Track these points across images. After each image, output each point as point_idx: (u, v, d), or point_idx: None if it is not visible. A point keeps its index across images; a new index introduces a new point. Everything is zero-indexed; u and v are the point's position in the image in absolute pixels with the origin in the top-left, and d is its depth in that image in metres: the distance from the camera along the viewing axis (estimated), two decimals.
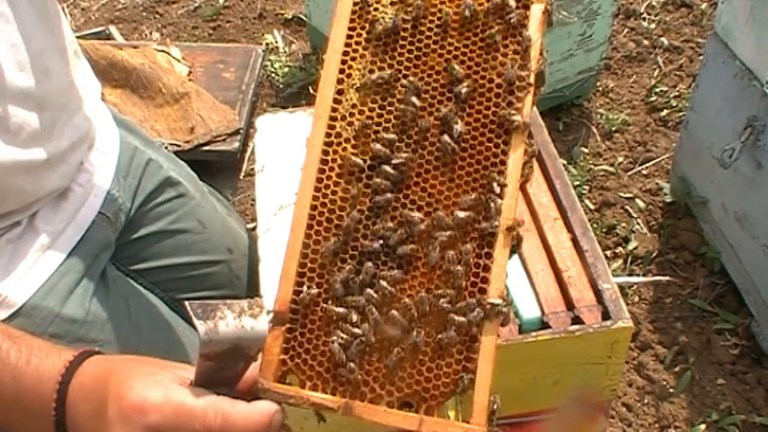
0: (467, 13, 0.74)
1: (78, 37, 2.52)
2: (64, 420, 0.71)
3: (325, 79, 0.74)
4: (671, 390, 1.70)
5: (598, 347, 1.09)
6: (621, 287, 1.86)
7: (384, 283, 0.68)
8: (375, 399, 0.68)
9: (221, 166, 2.20)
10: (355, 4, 0.75)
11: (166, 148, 1.58)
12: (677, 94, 2.41)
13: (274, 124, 1.40)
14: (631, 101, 2.43)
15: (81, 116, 1.18)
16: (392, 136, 0.71)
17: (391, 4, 0.75)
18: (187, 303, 0.60)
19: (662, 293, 1.89)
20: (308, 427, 1.11)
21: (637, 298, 1.89)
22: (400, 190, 0.71)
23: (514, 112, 0.71)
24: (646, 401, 1.70)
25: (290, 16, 2.78)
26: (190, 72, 2.38)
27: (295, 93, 2.48)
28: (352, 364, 0.66)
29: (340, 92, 0.74)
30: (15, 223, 1.08)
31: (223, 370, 0.60)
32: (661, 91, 2.43)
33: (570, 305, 1.11)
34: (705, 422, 1.64)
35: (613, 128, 2.31)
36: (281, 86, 2.51)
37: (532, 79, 0.72)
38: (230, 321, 0.57)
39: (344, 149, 0.72)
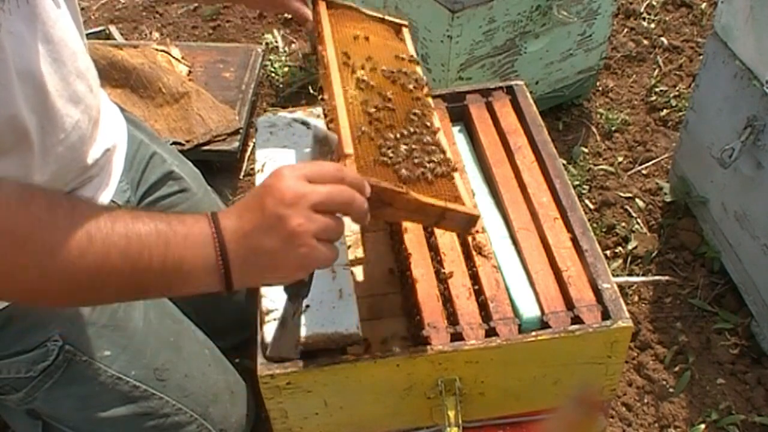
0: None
1: None
2: (225, 248, 0.87)
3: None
4: (671, 390, 1.70)
5: (597, 347, 1.09)
6: (621, 287, 1.86)
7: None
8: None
9: (221, 166, 2.20)
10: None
11: (171, 145, 1.60)
12: (677, 93, 2.41)
13: (274, 124, 1.40)
14: (631, 101, 2.43)
15: (108, 128, 1.26)
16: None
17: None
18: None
19: (662, 293, 1.89)
20: (308, 427, 1.12)
21: (636, 298, 1.89)
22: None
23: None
24: (645, 401, 1.70)
25: (290, 16, 2.78)
26: (190, 72, 2.38)
27: (295, 93, 2.48)
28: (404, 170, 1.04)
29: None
30: None
31: (324, 155, 0.94)
32: (661, 90, 2.43)
33: (570, 305, 1.11)
34: (705, 422, 1.64)
35: (613, 128, 2.31)
36: (281, 86, 2.51)
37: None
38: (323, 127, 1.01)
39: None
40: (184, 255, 0.87)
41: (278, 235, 0.86)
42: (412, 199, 0.98)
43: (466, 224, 1.03)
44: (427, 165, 1.07)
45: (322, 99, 1.09)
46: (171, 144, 1.88)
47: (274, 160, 1.33)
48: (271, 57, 2.59)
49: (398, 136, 1.09)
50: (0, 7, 0.91)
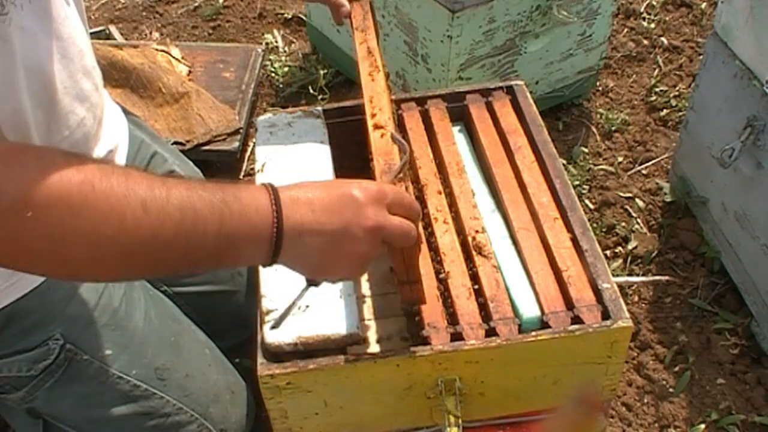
0: None
1: None
2: (282, 230, 0.86)
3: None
4: (671, 390, 1.70)
5: (598, 347, 1.09)
6: (621, 287, 1.86)
7: None
8: None
9: (221, 166, 2.20)
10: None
11: (171, 145, 1.60)
12: (677, 93, 2.41)
13: (274, 124, 1.40)
14: (631, 101, 2.43)
15: (111, 128, 1.25)
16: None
17: None
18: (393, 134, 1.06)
19: (662, 293, 1.89)
20: (308, 427, 1.12)
21: (636, 298, 1.89)
22: None
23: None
24: (645, 401, 1.70)
25: (290, 16, 2.78)
26: (190, 72, 2.38)
27: (295, 93, 2.48)
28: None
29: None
30: None
31: (400, 173, 1.00)
32: (661, 90, 2.44)
33: (570, 305, 1.11)
34: (705, 422, 1.64)
35: (613, 128, 2.31)
36: (281, 86, 2.51)
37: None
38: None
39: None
40: (238, 232, 0.85)
41: (341, 249, 0.89)
42: (417, 254, 0.97)
43: (413, 302, 1.05)
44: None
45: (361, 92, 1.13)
46: (171, 144, 1.88)
47: (274, 160, 1.33)
48: (271, 57, 2.59)
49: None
50: (11, 1, 0.91)
